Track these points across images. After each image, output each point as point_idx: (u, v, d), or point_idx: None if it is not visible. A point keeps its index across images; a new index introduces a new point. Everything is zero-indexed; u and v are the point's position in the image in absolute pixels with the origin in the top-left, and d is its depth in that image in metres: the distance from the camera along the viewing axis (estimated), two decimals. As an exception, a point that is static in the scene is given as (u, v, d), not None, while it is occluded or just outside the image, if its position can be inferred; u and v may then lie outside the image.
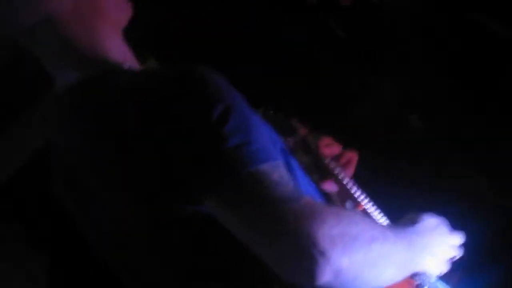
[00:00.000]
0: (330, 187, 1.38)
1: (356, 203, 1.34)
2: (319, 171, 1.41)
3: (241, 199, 0.97)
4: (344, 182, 1.38)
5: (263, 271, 0.98)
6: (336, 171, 1.40)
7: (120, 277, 1.26)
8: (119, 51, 1.19)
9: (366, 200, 1.35)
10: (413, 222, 1.16)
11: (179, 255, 1.10)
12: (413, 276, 1.13)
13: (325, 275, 0.92)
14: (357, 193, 1.37)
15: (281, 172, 1.00)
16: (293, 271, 0.94)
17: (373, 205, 1.35)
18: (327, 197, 1.36)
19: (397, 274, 1.05)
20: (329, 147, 1.41)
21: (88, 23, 1.16)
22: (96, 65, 1.15)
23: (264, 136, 1.03)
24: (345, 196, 1.37)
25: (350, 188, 1.37)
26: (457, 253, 1.22)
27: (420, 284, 1.14)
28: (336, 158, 1.41)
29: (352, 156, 1.46)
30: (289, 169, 1.10)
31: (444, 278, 1.21)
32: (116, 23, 1.20)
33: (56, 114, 1.22)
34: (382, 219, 1.30)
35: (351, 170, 1.46)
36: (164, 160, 1.02)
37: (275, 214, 0.95)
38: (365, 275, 0.97)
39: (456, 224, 1.24)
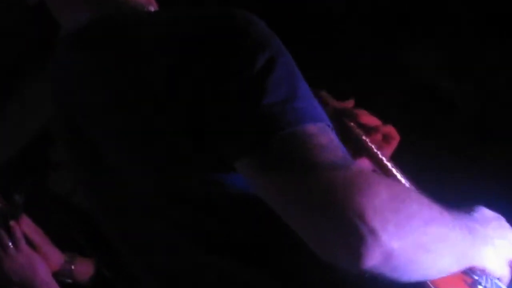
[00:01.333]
0: (363, 165, 1.19)
1: None
2: (353, 146, 1.22)
3: (281, 162, 0.83)
4: (384, 162, 1.20)
5: (296, 252, 0.87)
6: (374, 149, 1.22)
7: (119, 247, 1.13)
8: None
9: (408, 183, 1.16)
10: (470, 211, 0.99)
11: (196, 229, 0.97)
12: (469, 271, 0.95)
13: (374, 258, 0.79)
14: (399, 175, 1.18)
15: (330, 135, 0.86)
16: (336, 250, 0.81)
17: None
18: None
19: (454, 264, 0.89)
20: (366, 118, 1.25)
21: None
22: (114, 5, 1.04)
23: (311, 94, 0.89)
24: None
25: (391, 168, 1.18)
26: None
27: (477, 281, 0.96)
28: (372, 131, 1.25)
29: (392, 132, 1.27)
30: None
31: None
32: None
33: (65, 57, 1.09)
34: None
35: (390, 148, 1.27)
36: (195, 111, 0.89)
37: (319, 181, 0.81)
38: (419, 261, 0.84)
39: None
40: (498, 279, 0.99)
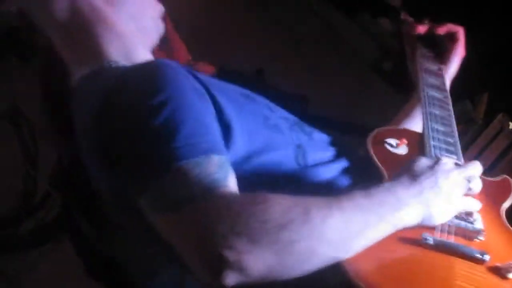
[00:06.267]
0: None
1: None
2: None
3: (157, 205, 0.95)
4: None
5: None
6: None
7: None
8: (120, 52, 1.22)
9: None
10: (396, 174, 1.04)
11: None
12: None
13: (230, 278, 0.87)
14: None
15: (201, 167, 0.95)
16: (204, 277, 0.90)
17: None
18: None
19: (349, 246, 0.92)
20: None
21: (87, 29, 1.21)
22: (91, 64, 1.20)
23: (198, 127, 0.99)
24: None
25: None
26: (468, 187, 1.05)
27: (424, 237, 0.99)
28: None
29: (459, 32, 1.46)
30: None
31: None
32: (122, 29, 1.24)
33: None
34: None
35: (453, 50, 1.47)
36: (110, 158, 1.02)
37: (180, 219, 0.92)
38: (287, 265, 0.89)
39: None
40: (468, 215, 1.05)
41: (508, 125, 2.11)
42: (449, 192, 1.02)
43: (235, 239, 0.86)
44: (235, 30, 2.52)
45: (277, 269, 0.89)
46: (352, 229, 0.92)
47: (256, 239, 0.87)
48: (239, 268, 0.87)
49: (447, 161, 1.06)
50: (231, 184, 0.96)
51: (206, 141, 0.98)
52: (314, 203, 0.92)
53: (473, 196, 1.07)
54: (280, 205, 0.90)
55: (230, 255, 0.86)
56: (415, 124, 1.49)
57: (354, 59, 2.49)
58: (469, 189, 1.05)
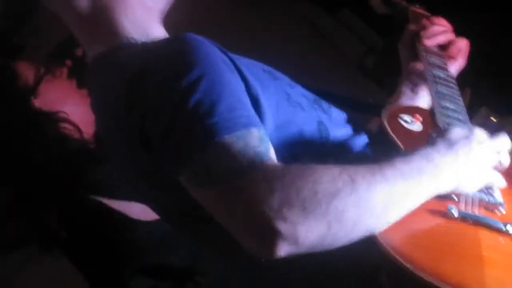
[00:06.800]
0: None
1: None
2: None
3: (201, 179, 0.95)
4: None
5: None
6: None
7: None
8: (136, 27, 1.20)
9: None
10: (432, 142, 1.04)
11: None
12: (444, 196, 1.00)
13: (283, 249, 0.88)
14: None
15: (244, 141, 0.94)
16: (255, 249, 0.91)
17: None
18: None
19: (388, 214, 0.93)
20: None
21: (100, 4, 1.20)
22: (108, 41, 1.18)
23: (236, 102, 0.98)
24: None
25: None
26: (498, 159, 1.07)
27: (449, 209, 0.99)
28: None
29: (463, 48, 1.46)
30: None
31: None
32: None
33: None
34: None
35: (461, 56, 1.46)
36: (143, 136, 1.02)
37: (228, 193, 0.93)
38: (336, 234, 0.89)
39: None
40: (488, 189, 1.06)
41: (490, 118, 2.16)
42: (481, 162, 1.04)
43: (288, 211, 0.87)
44: (225, 30, 2.51)
45: (327, 239, 0.89)
46: (394, 196, 0.93)
47: (309, 210, 0.87)
48: (293, 239, 0.87)
49: (481, 132, 1.07)
50: (273, 156, 0.97)
51: (243, 115, 0.98)
52: (358, 171, 0.92)
53: (501, 170, 1.08)
54: (327, 174, 0.90)
55: (284, 227, 0.86)
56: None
57: (339, 57, 2.51)
58: (499, 162, 1.07)
